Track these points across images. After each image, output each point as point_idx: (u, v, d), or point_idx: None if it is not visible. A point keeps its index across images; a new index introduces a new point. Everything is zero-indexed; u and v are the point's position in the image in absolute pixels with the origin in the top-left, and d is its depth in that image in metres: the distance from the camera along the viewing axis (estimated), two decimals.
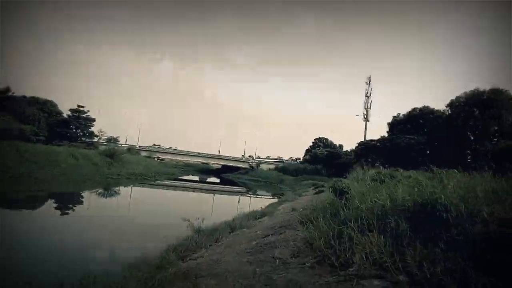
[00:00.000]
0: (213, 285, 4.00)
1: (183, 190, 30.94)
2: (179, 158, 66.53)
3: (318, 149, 59.80)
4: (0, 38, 44.84)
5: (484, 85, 32.45)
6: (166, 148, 69.98)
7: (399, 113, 39.03)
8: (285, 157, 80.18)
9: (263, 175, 53.35)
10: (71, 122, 44.82)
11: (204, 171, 66.43)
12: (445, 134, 30.82)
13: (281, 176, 49.63)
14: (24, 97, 41.99)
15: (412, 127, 35.60)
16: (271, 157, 79.58)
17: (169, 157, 65.05)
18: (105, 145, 45.99)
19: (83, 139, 45.80)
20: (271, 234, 6.63)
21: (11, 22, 65.00)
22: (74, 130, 45.60)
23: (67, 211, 15.03)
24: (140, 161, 43.06)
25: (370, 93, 49.14)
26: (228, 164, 63.85)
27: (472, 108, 30.11)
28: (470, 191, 4.70)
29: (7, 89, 39.01)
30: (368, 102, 48.78)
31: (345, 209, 5.48)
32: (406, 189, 5.28)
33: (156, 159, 58.28)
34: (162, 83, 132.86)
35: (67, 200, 17.98)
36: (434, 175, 6.83)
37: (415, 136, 33.06)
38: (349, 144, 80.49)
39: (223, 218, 10.47)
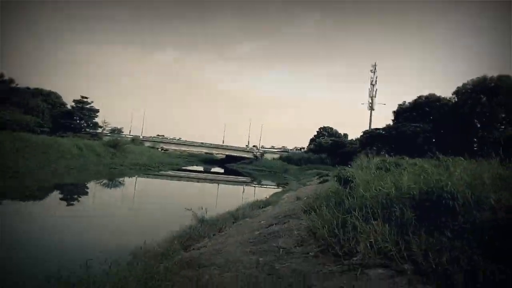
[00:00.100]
0: (216, 274, 3.98)
1: (187, 181, 31.06)
2: (183, 148, 66.61)
3: (322, 138, 59.51)
4: (0, 38, 44.87)
5: None
6: (170, 139, 70.03)
7: (405, 101, 38.54)
8: (290, 146, 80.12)
9: (268, 165, 53.35)
10: (75, 113, 44.91)
11: (208, 161, 66.63)
12: (452, 122, 30.44)
13: (286, 165, 49.65)
14: (28, 88, 42.07)
15: (418, 115, 35.14)
16: (275, 147, 79.49)
17: (173, 147, 65.10)
18: (109, 136, 46.13)
19: (87, 130, 45.93)
20: (275, 224, 6.61)
21: (11, 22, 65.05)
22: (78, 121, 45.72)
23: (65, 202, 15.14)
24: (143, 151, 43.22)
25: (376, 81, 48.62)
26: (232, 154, 63.84)
27: (479, 95, 29.63)
28: (477, 178, 4.59)
29: (11, 80, 39.16)
30: (373, 90, 48.32)
31: (349, 197, 5.41)
32: (412, 177, 5.18)
33: (160, 149, 58.45)
34: (164, 76, 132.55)
35: (67, 191, 18.03)
36: (440, 163, 6.71)
37: (421, 124, 32.69)
38: (354, 133, 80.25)
39: (227, 208, 10.48)
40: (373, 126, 43.17)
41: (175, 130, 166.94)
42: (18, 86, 39.67)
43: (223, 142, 68.68)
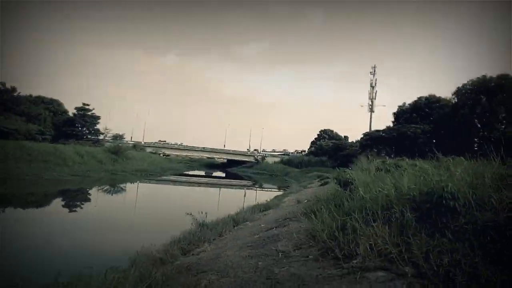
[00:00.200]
0: (214, 280, 3.93)
1: (189, 185, 31.01)
2: (184, 153, 66.68)
3: (323, 141, 59.55)
4: (0, 38, 45.10)
5: None
6: (171, 144, 70.10)
7: (405, 103, 38.52)
8: (291, 149, 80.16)
9: (269, 168, 53.34)
10: (76, 121, 45.03)
11: (210, 165, 66.68)
12: (452, 122, 30.35)
13: (287, 168, 49.60)
14: (30, 96, 42.31)
15: (418, 116, 35.15)
16: (276, 150, 79.53)
17: (174, 152, 65.16)
18: (110, 142, 46.21)
19: (89, 136, 46.03)
20: (275, 227, 6.55)
21: (11, 22, 65.42)
22: (79, 128, 45.83)
23: (66, 209, 15.13)
24: (145, 157, 43.27)
25: (375, 83, 48.57)
26: (234, 158, 63.89)
27: (479, 95, 29.54)
28: (478, 177, 4.52)
29: (13, 89, 39.38)
30: (373, 92, 48.23)
31: (349, 199, 5.36)
32: (412, 178, 5.12)
33: (161, 155, 58.57)
34: (166, 80, 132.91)
35: (68, 197, 18.09)
36: (440, 163, 6.64)
37: (421, 125, 32.65)
38: (354, 135, 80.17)
39: (228, 212, 10.42)
40: (373, 128, 43.05)
41: (177, 135, 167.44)
42: (20, 94, 39.96)
43: (224, 147, 68.81)
